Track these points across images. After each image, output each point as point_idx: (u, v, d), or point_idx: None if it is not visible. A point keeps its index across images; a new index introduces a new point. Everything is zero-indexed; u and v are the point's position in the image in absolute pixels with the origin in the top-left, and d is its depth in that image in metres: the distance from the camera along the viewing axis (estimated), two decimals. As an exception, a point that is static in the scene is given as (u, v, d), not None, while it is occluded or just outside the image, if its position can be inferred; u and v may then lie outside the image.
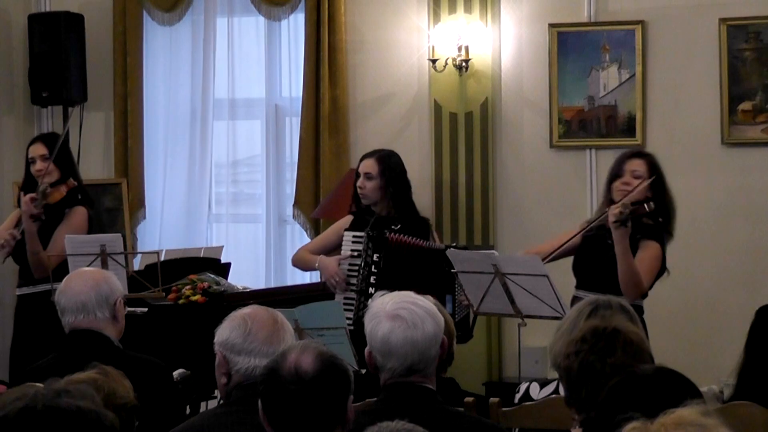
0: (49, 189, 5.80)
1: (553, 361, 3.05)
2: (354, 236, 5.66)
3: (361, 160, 5.81)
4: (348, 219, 5.80)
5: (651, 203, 5.04)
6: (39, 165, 5.89)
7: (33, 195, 5.72)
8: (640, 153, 5.32)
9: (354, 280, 5.63)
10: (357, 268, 5.62)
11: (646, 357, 2.94)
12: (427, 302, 3.19)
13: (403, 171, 5.79)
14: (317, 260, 5.74)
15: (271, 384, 2.65)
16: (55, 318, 5.51)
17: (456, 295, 5.56)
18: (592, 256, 5.20)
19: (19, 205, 5.94)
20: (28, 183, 5.96)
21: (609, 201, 5.15)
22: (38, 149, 5.94)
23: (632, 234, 5.01)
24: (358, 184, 5.70)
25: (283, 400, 2.63)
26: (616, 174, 5.20)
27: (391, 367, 3.11)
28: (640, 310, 5.09)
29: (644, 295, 5.16)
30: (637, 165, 5.15)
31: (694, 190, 6.83)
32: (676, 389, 2.51)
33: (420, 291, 5.13)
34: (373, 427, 2.23)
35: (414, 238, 5.60)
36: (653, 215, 5.09)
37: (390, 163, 5.72)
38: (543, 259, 5.19)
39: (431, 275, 5.52)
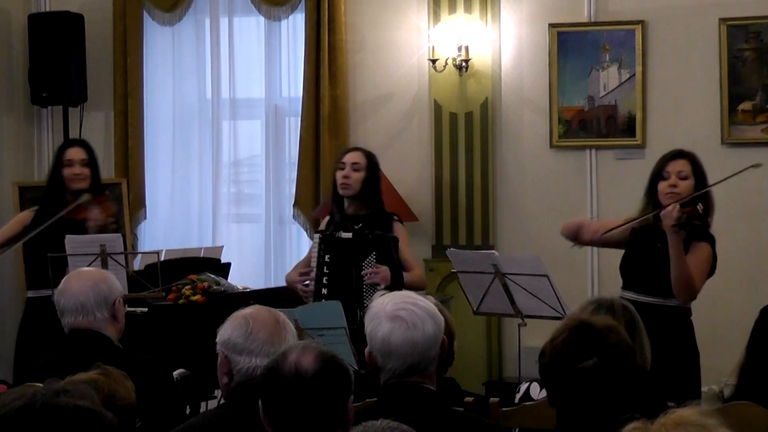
0: (91, 198, 5.76)
1: None
2: (319, 238, 5.64)
3: (347, 152, 5.80)
4: (324, 221, 5.80)
5: (700, 205, 4.97)
6: (78, 169, 5.83)
7: (98, 211, 5.66)
8: (682, 153, 5.17)
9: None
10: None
11: (625, 355, 2.92)
12: (427, 302, 3.19)
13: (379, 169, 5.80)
14: (287, 280, 5.77)
15: (271, 383, 2.65)
16: None
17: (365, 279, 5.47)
18: (640, 258, 5.09)
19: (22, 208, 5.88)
20: (56, 183, 5.88)
21: (654, 203, 5.08)
22: (79, 153, 5.88)
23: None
24: (344, 173, 5.63)
25: (284, 400, 2.63)
26: (660, 176, 5.10)
27: (392, 367, 3.12)
28: (687, 312, 5.08)
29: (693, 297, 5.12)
30: (682, 165, 5.07)
31: (694, 190, 6.83)
32: (618, 381, 2.52)
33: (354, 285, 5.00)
34: (358, 426, 2.23)
35: (339, 232, 5.55)
36: (701, 216, 5.03)
37: (374, 160, 5.73)
38: (605, 233, 5.13)
39: (351, 264, 5.48)
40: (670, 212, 4.87)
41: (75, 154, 5.88)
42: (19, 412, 1.97)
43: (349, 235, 5.53)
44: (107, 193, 5.92)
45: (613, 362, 2.63)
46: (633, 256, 5.13)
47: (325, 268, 5.53)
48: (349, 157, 5.69)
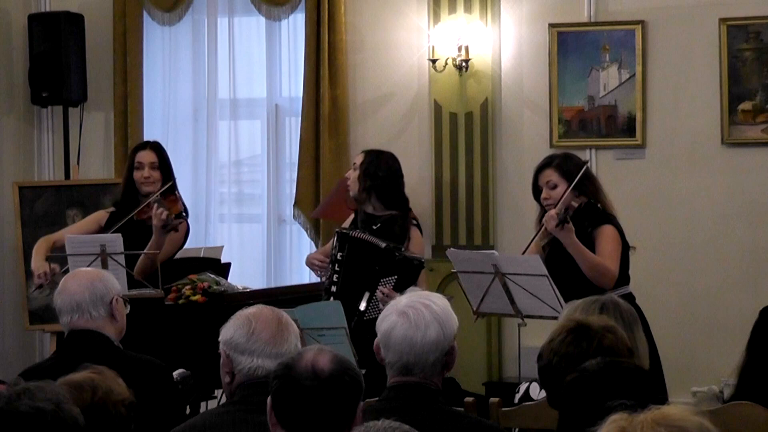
0: (162, 199, 5.74)
1: None
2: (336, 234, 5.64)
3: None
4: (349, 219, 5.79)
5: (573, 202, 5.07)
6: (147, 172, 5.80)
7: (162, 210, 5.56)
8: (545, 163, 5.28)
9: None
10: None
11: (623, 355, 2.92)
12: (444, 308, 3.15)
13: (390, 169, 5.71)
14: (307, 259, 5.83)
15: (285, 380, 2.62)
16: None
17: (373, 294, 5.38)
18: (559, 269, 5.13)
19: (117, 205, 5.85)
20: (129, 187, 5.85)
21: (542, 216, 5.19)
22: (149, 156, 5.84)
23: (582, 230, 5.08)
24: (347, 174, 5.75)
25: (298, 397, 2.61)
26: (535, 191, 5.27)
27: (389, 361, 3.12)
28: (630, 298, 5.10)
29: (626, 279, 5.20)
30: (548, 175, 5.20)
31: (694, 190, 6.83)
32: (624, 383, 2.52)
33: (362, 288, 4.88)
34: (360, 426, 2.22)
35: (368, 235, 5.49)
36: (591, 205, 5.15)
37: (374, 159, 5.68)
38: None
39: (370, 272, 5.42)
40: (550, 217, 5.00)
41: (145, 157, 5.84)
42: None
43: (364, 234, 5.49)
44: (177, 193, 5.87)
45: (617, 362, 2.62)
46: (552, 267, 5.15)
47: (336, 265, 5.50)
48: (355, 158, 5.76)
